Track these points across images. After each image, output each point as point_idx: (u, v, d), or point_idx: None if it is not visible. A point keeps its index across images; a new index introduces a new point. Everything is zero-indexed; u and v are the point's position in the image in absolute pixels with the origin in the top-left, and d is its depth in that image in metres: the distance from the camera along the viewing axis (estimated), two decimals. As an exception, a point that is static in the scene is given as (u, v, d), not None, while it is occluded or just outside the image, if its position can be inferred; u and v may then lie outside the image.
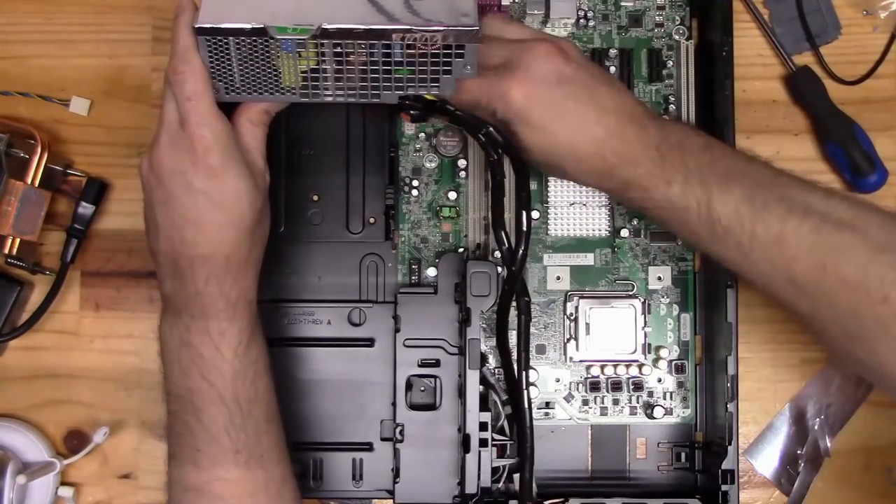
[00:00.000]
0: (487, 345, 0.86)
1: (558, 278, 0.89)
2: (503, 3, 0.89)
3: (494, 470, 0.82)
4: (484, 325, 0.85)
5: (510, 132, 0.74)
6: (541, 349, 0.88)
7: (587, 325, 0.87)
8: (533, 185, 0.88)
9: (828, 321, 0.70)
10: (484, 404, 0.82)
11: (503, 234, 0.74)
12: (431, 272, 0.88)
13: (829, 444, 0.89)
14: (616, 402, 0.88)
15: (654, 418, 0.87)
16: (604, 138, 0.73)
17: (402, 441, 0.84)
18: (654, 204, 0.74)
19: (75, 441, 0.88)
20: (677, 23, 0.90)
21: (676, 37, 0.90)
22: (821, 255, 0.68)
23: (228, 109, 0.73)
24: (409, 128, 0.89)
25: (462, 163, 0.88)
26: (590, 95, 0.74)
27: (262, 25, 0.67)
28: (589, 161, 0.74)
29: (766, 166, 0.74)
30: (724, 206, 0.71)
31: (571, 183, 0.88)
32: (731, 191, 0.71)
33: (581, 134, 0.73)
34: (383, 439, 0.86)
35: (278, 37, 0.67)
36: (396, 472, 0.84)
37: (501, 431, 0.85)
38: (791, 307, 0.72)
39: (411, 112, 0.76)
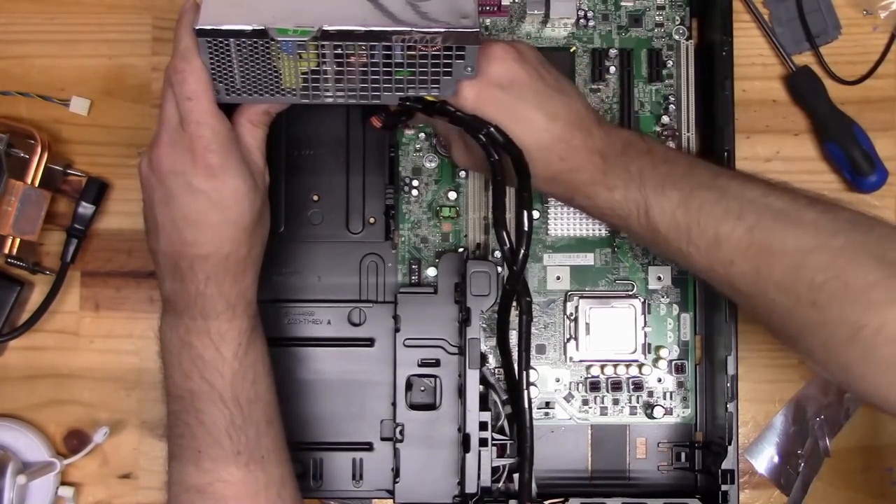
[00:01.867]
0: (487, 345, 0.86)
1: (558, 278, 0.89)
2: (503, 4, 0.89)
3: (494, 470, 0.82)
4: (484, 325, 0.85)
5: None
6: (541, 349, 0.88)
7: (587, 325, 0.87)
8: (533, 185, 0.88)
9: (771, 321, 0.71)
10: (484, 404, 0.82)
11: (505, 233, 0.74)
12: (431, 272, 0.88)
13: (829, 444, 0.89)
14: (616, 401, 0.88)
15: (654, 418, 0.87)
16: (550, 144, 0.74)
17: (402, 441, 0.84)
18: (598, 211, 0.76)
19: (75, 441, 0.88)
20: (677, 23, 0.90)
21: (676, 37, 0.90)
22: (754, 258, 0.69)
23: (228, 110, 0.73)
24: (409, 128, 0.89)
25: (462, 163, 0.88)
26: (540, 100, 0.74)
27: (262, 27, 0.67)
28: (536, 166, 0.73)
29: (709, 167, 0.74)
30: (662, 212, 0.72)
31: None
32: (668, 196, 0.72)
33: (529, 138, 0.73)
34: (383, 439, 0.86)
35: (279, 38, 0.67)
36: (396, 472, 0.84)
37: (501, 431, 0.85)
38: (737, 303, 0.74)
39: (382, 116, 0.78)
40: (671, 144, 0.88)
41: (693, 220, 0.70)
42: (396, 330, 0.85)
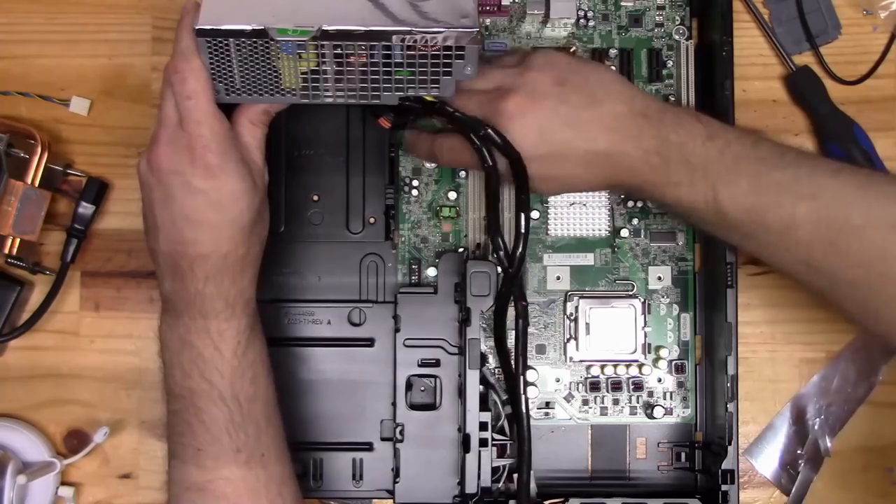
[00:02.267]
0: (487, 345, 0.86)
1: (558, 278, 0.89)
2: (503, 4, 0.89)
3: (494, 470, 0.82)
4: (484, 325, 0.85)
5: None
6: (541, 349, 0.88)
7: (587, 325, 0.87)
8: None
9: (846, 298, 0.71)
10: (484, 404, 0.82)
11: (499, 239, 0.74)
12: (431, 272, 0.88)
13: (829, 444, 0.89)
14: (616, 401, 0.88)
15: (654, 418, 0.87)
16: (598, 160, 0.75)
17: (402, 441, 0.84)
18: (664, 205, 0.77)
19: (75, 441, 0.88)
20: (677, 23, 0.90)
21: (676, 37, 0.90)
22: (834, 237, 0.68)
23: (228, 109, 0.73)
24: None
25: (462, 163, 0.88)
26: (573, 128, 0.74)
27: (262, 27, 0.67)
28: (594, 181, 0.75)
29: (773, 148, 0.73)
30: (731, 200, 0.71)
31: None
32: (736, 183, 0.71)
33: (574, 169, 0.75)
34: (383, 439, 0.86)
35: (278, 38, 0.67)
36: (396, 472, 0.84)
37: (501, 431, 0.85)
38: (808, 286, 0.73)
39: (391, 116, 0.79)
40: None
41: (766, 204, 0.70)
42: (396, 330, 0.85)
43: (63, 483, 0.87)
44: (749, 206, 0.71)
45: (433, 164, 0.88)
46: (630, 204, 0.89)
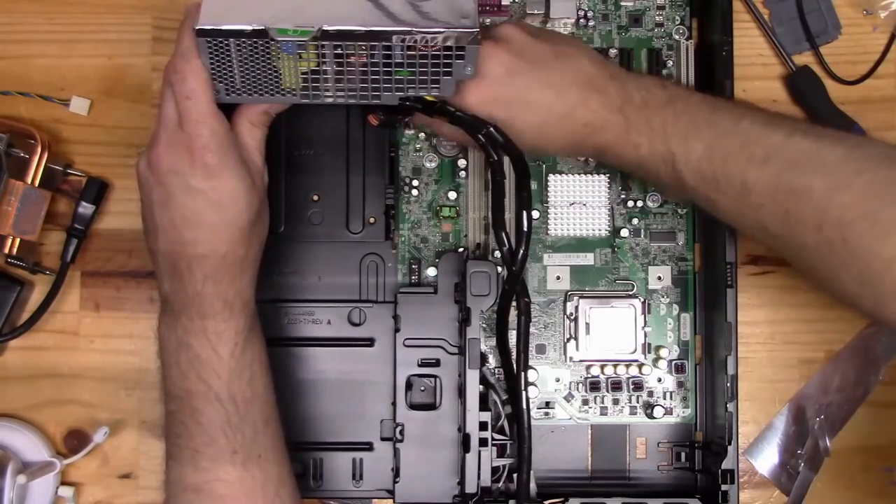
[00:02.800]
0: (487, 344, 0.86)
1: (558, 278, 0.89)
2: (503, 3, 0.89)
3: (494, 470, 0.82)
4: (484, 325, 0.85)
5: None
6: (541, 349, 0.88)
7: (587, 324, 0.87)
8: (533, 185, 0.88)
9: (801, 261, 0.72)
10: (484, 404, 0.82)
11: (504, 234, 0.74)
12: (431, 272, 0.88)
13: (828, 444, 0.89)
14: (616, 401, 0.88)
15: (654, 418, 0.87)
16: (567, 112, 0.75)
17: (402, 441, 0.84)
18: (628, 167, 0.78)
19: (75, 441, 0.88)
20: (677, 23, 0.90)
21: (676, 37, 0.90)
22: (783, 201, 0.69)
23: (228, 109, 0.73)
24: (408, 128, 0.89)
25: (462, 163, 0.88)
26: (544, 77, 0.75)
27: (262, 27, 0.67)
28: (561, 137, 0.76)
29: (731, 111, 0.74)
30: (687, 163, 0.72)
31: (572, 183, 0.88)
32: (692, 148, 0.72)
33: (545, 115, 0.75)
34: (383, 439, 0.86)
35: (279, 38, 0.67)
36: (396, 472, 0.84)
37: (501, 431, 0.85)
38: (771, 249, 0.76)
39: (380, 114, 0.79)
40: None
41: (719, 170, 0.71)
42: (396, 330, 0.85)
43: (63, 483, 0.87)
44: (703, 170, 0.72)
45: (433, 163, 0.88)
46: (630, 204, 0.89)
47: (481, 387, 0.82)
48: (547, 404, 0.88)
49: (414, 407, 0.85)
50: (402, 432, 0.84)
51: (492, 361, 0.86)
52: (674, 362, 0.88)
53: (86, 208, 0.87)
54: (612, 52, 0.89)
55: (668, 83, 0.78)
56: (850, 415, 0.90)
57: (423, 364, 0.85)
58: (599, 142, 0.76)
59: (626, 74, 0.78)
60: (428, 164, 0.89)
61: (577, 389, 0.88)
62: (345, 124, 0.88)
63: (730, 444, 0.82)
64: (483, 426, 0.81)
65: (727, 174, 0.71)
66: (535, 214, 0.88)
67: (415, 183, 0.89)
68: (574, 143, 0.76)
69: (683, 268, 0.89)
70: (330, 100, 0.73)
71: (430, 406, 0.85)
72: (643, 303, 0.88)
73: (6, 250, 0.85)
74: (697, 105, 0.75)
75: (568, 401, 0.88)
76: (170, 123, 0.70)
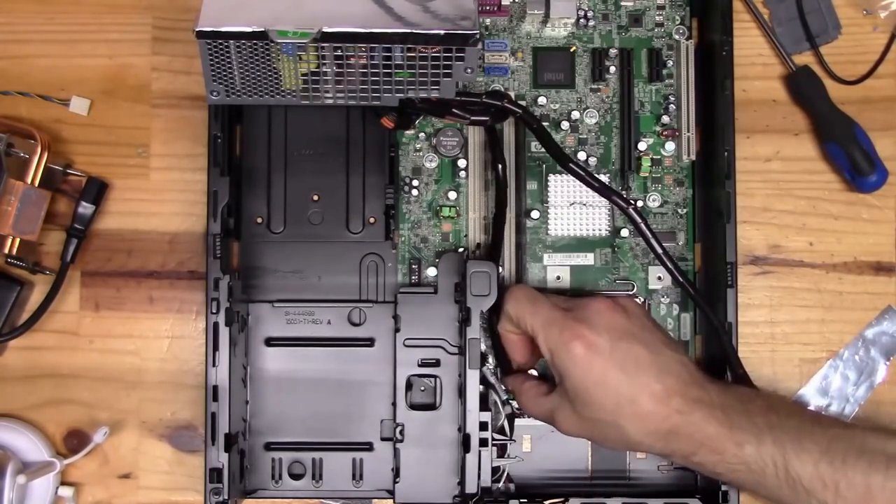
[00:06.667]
0: (488, 344, 0.86)
1: (558, 278, 0.89)
2: (503, 3, 0.89)
3: (494, 470, 0.82)
4: (484, 325, 0.85)
5: (563, 386, 0.76)
6: (541, 349, 0.88)
7: (587, 325, 0.87)
8: (533, 185, 0.88)
9: None
10: (484, 404, 0.82)
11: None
12: (431, 272, 0.88)
13: (828, 445, 0.89)
14: (616, 401, 0.88)
15: (654, 418, 0.87)
16: (664, 397, 0.74)
17: (402, 441, 0.84)
18: (726, 467, 0.74)
19: (75, 441, 0.88)
20: (677, 23, 0.90)
21: (676, 37, 0.90)
22: None
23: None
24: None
25: (462, 163, 0.88)
26: (651, 353, 0.75)
27: (262, 29, 0.67)
28: (652, 419, 0.74)
29: (836, 421, 0.74)
30: (803, 465, 0.70)
31: (572, 182, 0.87)
32: (807, 449, 0.70)
33: (643, 389, 0.74)
34: (383, 439, 0.86)
35: (279, 40, 0.67)
36: (396, 472, 0.84)
37: (501, 431, 0.85)
38: None
39: (393, 116, 0.79)
40: (671, 145, 0.88)
41: (840, 474, 0.69)
42: (396, 330, 0.85)
43: (63, 483, 0.87)
44: (821, 473, 0.69)
45: (433, 163, 0.88)
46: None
47: (481, 387, 0.82)
48: (547, 404, 0.88)
49: (414, 407, 0.85)
50: (402, 432, 0.84)
51: (492, 361, 0.86)
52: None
53: (86, 208, 0.87)
54: (612, 51, 0.89)
55: (762, 391, 0.78)
56: (850, 415, 0.90)
57: (423, 364, 0.85)
58: (696, 434, 0.73)
59: (725, 382, 0.79)
60: (428, 164, 0.89)
61: (577, 389, 0.88)
62: (345, 124, 0.88)
63: (730, 444, 0.82)
64: (483, 426, 0.81)
65: (849, 479, 0.69)
66: (536, 214, 0.88)
67: (415, 183, 0.89)
68: (666, 430, 0.74)
69: (683, 268, 0.88)
70: (330, 101, 0.73)
71: (430, 406, 0.85)
72: (643, 303, 0.88)
73: (6, 250, 0.85)
74: (799, 410, 0.75)
75: (568, 401, 0.88)
76: None
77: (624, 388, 0.74)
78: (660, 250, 0.79)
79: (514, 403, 0.87)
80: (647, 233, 0.79)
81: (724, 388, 0.75)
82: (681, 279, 0.80)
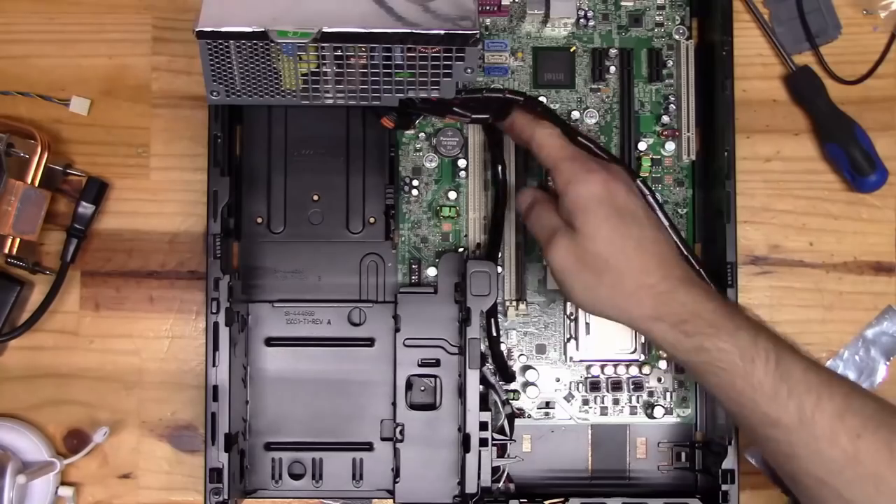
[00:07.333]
0: (487, 344, 0.86)
1: (558, 278, 0.89)
2: (503, 3, 0.89)
3: (494, 470, 0.82)
4: (484, 325, 0.85)
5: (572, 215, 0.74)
6: (541, 349, 0.88)
7: (587, 324, 0.87)
8: (533, 185, 0.88)
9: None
10: (484, 404, 0.82)
11: None
12: (431, 272, 0.88)
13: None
14: (616, 401, 0.88)
15: (654, 418, 0.87)
16: (674, 259, 0.74)
17: (402, 441, 0.84)
18: (713, 344, 0.71)
19: (75, 441, 0.88)
20: (677, 23, 0.90)
21: (676, 37, 0.90)
22: (887, 433, 0.67)
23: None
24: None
25: (462, 163, 0.88)
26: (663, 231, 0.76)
27: (262, 29, 0.67)
28: (654, 272, 0.73)
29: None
30: (795, 363, 0.69)
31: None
32: (797, 358, 0.70)
33: (653, 244, 0.74)
34: (383, 439, 0.86)
35: (279, 40, 0.67)
36: (396, 472, 0.84)
37: (501, 431, 0.85)
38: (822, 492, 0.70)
39: (393, 116, 0.80)
40: (671, 145, 0.88)
41: (825, 386, 0.68)
42: (396, 330, 0.85)
43: (63, 483, 0.87)
44: (809, 379, 0.69)
45: (433, 163, 0.88)
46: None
47: (481, 387, 0.82)
48: (547, 404, 0.88)
49: (414, 407, 0.85)
50: (402, 432, 0.84)
51: (492, 361, 0.86)
52: (674, 362, 0.88)
53: (86, 208, 0.87)
54: (612, 51, 0.89)
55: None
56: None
57: (423, 364, 0.85)
58: (691, 303, 0.72)
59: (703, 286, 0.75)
60: (428, 164, 0.89)
61: (578, 389, 0.88)
62: (345, 124, 0.88)
63: (730, 443, 0.82)
64: (483, 426, 0.81)
65: (832, 390, 0.68)
66: (535, 214, 0.88)
67: (415, 183, 0.89)
68: (659, 287, 0.73)
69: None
70: (330, 101, 0.73)
71: (430, 406, 0.85)
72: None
73: (6, 250, 0.85)
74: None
75: (568, 401, 0.88)
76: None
77: (635, 232, 0.73)
78: (667, 223, 0.78)
79: (514, 403, 0.87)
80: (654, 205, 0.78)
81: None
82: (685, 251, 0.78)
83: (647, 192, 0.77)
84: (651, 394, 0.88)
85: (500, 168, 0.84)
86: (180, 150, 0.89)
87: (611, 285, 0.73)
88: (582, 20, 0.89)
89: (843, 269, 0.90)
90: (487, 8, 0.89)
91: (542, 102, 0.81)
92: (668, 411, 0.88)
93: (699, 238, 0.89)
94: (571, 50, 0.90)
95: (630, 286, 0.73)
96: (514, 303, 0.87)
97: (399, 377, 0.85)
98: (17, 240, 0.85)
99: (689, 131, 0.87)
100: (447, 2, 0.70)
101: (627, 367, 0.88)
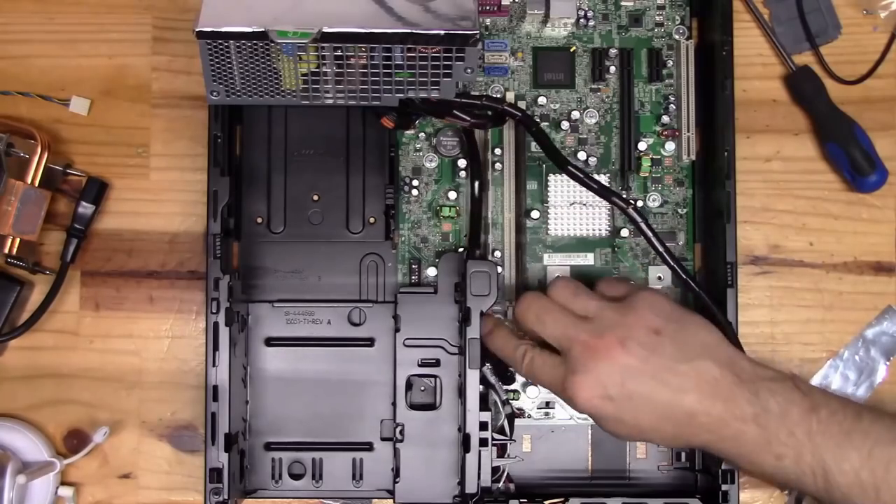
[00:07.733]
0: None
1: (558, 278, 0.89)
2: (503, 3, 0.89)
3: (494, 470, 0.82)
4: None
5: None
6: (541, 349, 0.88)
7: (587, 325, 0.87)
8: (533, 185, 0.88)
9: None
10: (484, 404, 0.82)
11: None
12: (431, 272, 0.88)
13: (828, 445, 0.89)
14: (616, 401, 0.88)
15: (654, 418, 0.87)
16: (685, 419, 0.74)
17: (402, 441, 0.84)
18: (766, 476, 0.75)
19: (75, 441, 0.88)
20: (677, 22, 0.90)
21: (676, 37, 0.90)
22: None
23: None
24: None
25: (462, 163, 0.88)
26: (660, 378, 0.74)
27: (262, 29, 0.67)
28: (684, 439, 0.75)
29: (880, 418, 0.72)
30: (843, 475, 0.70)
31: (572, 182, 0.87)
32: (847, 458, 0.70)
33: (658, 421, 0.74)
34: (383, 439, 0.86)
35: (279, 40, 0.67)
36: (396, 472, 0.84)
37: (501, 431, 0.85)
38: None
39: (393, 116, 0.79)
40: (671, 145, 0.88)
41: (881, 480, 0.69)
42: (396, 330, 0.85)
43: (63, 483, 0.87)
44: (862, 481, 0.69)
45: (433, 163, 0.88)
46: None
47: (481, 387, 0.81)
48: (547, 404, 0.88)
49: (414, 407, 0.85)
50: (402, 432, 0.84)
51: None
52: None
53: (86, 208, 0.87)
54: (612, 51, 0.89)
55: (803, 384, 0.74)
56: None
57: (423, 364, 0.85)
58: (729, 450, 0.74)
59: (755, 375, 0.74)
60: (428, 164, 0.89)
61: (577, 389, 0.88)
62: (345, 124, 0.88)
63: (730, 444, 0.82)
64: (483, 426, 0.81)
65: (889, 483, 0.69)
66: (536, 214, 0.88)
67: (415, 183, 0.89)
68: (690, 442, 0.75)
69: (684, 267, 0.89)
70: (330, 101, 0.73)
71: (430, 406, 0.85)
72: (643, 303, 0.88)
73: (6, 250, 0.85)
74: (843, 409, 0.72)
75: (568, 401, 0.88)
76: None
77: (650, 401, 0.74)
78: (661, 249, 0.79)
79: (514, 403, 0.87)
80: (648, 232, 0.78)
81: (758, 391, 0.73)
82: (683, 276, 0.79)
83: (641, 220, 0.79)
84: (651, 394, 0.88)
85: (471, 166, 0.85)
86: (180, 150, 0.89)
87: (634, 423, 0.75)
88: (582, 20, 0.89)
89: (843, 269, 0.90)
90: (487, 8, 0.89)
91: (537, 123, 0.81)
92: (668, 411, 0.88)
93: (699, 238, 0.88)
94: (571, 50, 0.90)
95: (669, 437, 0.75)
96: (514, 303, 0.87)
97: (399, 377, 0.85)
98: (17, 240, 0.85)
99: (689, 131, 0.87)
100: (447, 2, 0.70)
101: (627, 367, 0.87)
